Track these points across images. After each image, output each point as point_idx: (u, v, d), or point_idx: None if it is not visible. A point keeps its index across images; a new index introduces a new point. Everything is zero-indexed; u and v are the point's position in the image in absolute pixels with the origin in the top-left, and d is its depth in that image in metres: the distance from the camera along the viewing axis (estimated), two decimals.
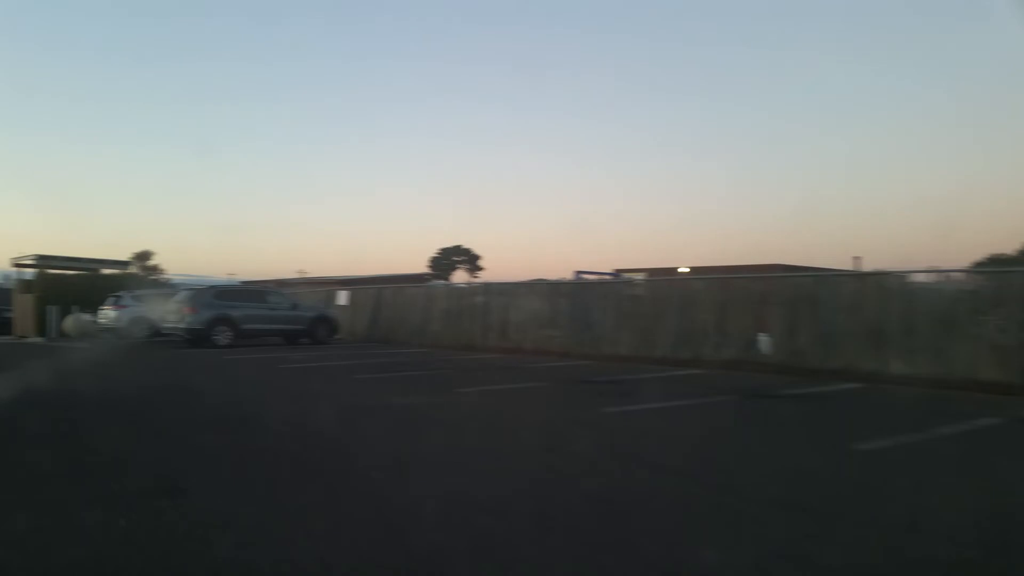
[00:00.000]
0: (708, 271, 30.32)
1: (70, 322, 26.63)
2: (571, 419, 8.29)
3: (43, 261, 28.49)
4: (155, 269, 41.63)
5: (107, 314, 23.74)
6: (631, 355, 15.54)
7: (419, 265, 70.20)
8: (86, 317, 26.40)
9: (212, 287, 20.88)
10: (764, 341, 13.21)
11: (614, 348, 16.13)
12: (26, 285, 29.37)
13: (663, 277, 22.05)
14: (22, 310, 29.56)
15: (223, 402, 9.68)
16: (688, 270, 34.79)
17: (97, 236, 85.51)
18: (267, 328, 20.70)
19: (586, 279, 25.37)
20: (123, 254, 38.74)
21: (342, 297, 24.93)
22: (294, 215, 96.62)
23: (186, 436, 6.96)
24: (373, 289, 24.56)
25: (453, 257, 76.47)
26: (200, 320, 19.48)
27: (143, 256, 41.59)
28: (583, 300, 17.62)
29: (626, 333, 16.07)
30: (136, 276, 32.06)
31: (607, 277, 31.42)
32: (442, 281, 41.99)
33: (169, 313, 20.35)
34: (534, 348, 17.71)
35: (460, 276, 73.10)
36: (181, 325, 19.70)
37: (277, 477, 5.37)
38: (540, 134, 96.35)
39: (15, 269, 29.83)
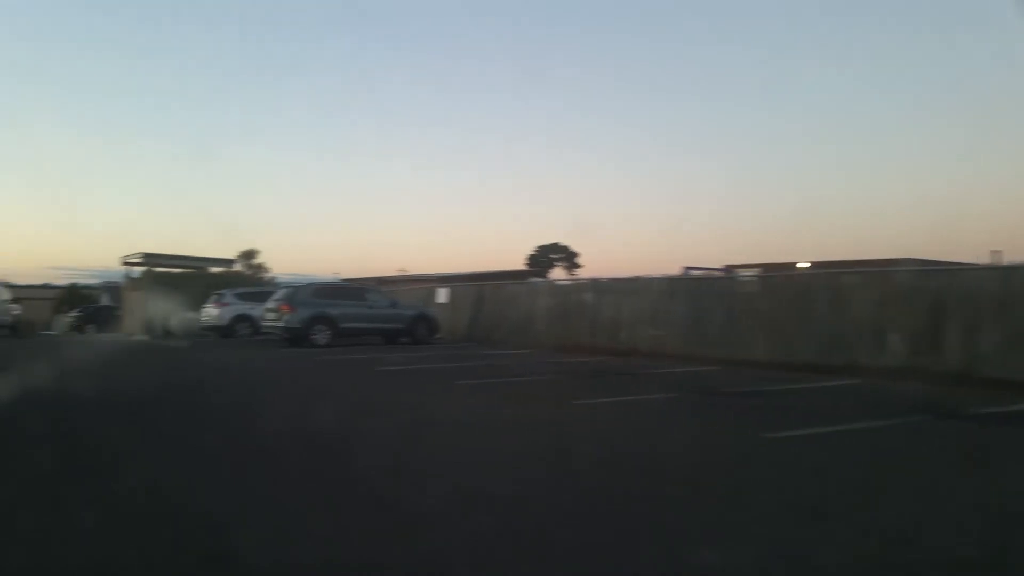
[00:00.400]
0: (826, 266, 27.55)
1: (175, 320, 26.85)
2: (724, 448, 6.66)
3: (150, 259, 28.91)
4: (260, 267, 42.16)
5: (209, 312, 23.63)
6: (765, 360, 13.65)
7: (516, 263, 69.16)
8: (190, 315, 26.53)
9: (310, 285, 20.24)
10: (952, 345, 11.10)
11: (743, 352, 14.27)
12: (133, 283, 29.94)
13: (780, 272, 19.94)
14: (130, 308, 30.17)
15: (313, 416, 8.57)
16: (808, 265, 32.15)
17: (206, 235, 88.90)
18: (366, 327, 19.87)
19: (704, 275, 23.39)
20: (230, 252, 39.42)
21: (442, 295, 23.94)
22: (395, 213, 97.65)
23: (274, 462, 5.82)
24: (473, 287, 23.43)
25: (551, 255, 75.01)
26: (298, 319, 18.82)
27: (248, 254, 42.25)
28: (704, 298, 15.81)
29: (759, 335, 14.18)
30: (240, 274, 32.20)
31: (717, 273, 29.28)
32: (544, 278, 40.68)
33: (268, 312, 19.83)
34: (649, 350, 16.04)
35: (558, 273, 71.58)
36: (279, 324, 19.11)
37: (392, 516, 4.07)
38: (628, 128, 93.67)
39: (124, 267, 30.51)
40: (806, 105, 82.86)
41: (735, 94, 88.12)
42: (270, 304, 19.79)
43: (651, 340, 16.24)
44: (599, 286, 18.25)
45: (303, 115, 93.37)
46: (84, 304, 42.59)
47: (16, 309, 30.44)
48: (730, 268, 35.72)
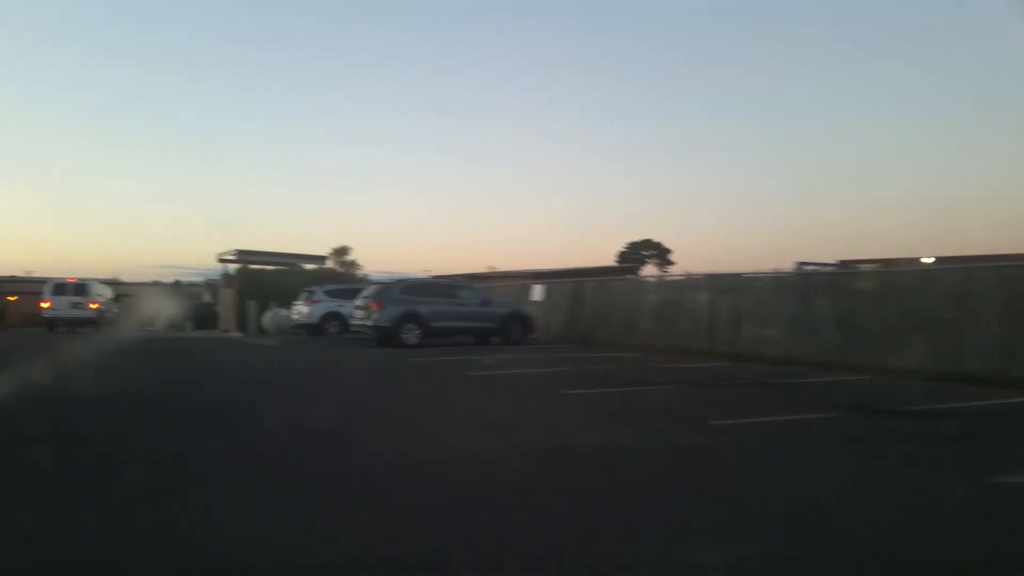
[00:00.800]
0: (952, 261, 24.34)
1: (268, 317, 26.50)
2: (956, 500, 4.83)
3: (244, 256, 28.76)
4: (352, 264, 41.87)
5: (300, 309, 23.00)
6: (926, 369, 11.51)
7: (605, 260, 67.10)
8: (282, 312, 26.10)
9: (400, 281, 19.16)
10: None
11: (895, 358, 12.15)
12: (228, 280, 29.90)
13: (903, 267, 17.44)
14: (225, 305, 30.15)
15: (420, 440, 7.20)
16: (932, 260, 29.03)
17: (300, 231, 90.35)
18: (457, 326, 18.63)
19: (832, 270, 21.00)
20: (323, 249, 39.31)
21: (536, 292, 22.48)
22: (484, 210, 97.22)
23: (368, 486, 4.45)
24: (570, 283, 21.85)
25: (642, 251, 72.54)
26: (387, 317, 17.75)
27: (341, 251, 42.07)
28: (846, 296, 13.68)
29: (917, 339, 12.01)
30: (332, 271, 31.75)
31: (829, 268, 26.64)
32: (643, 275, 38.68)
33: (357, 309, 18.88)
34: (778, 355, 14.05)
35: (649, 270, 69.10)
36: (368, 322, 18.10)
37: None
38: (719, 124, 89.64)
39: (220, 265, 30.55)
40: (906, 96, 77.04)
41: (827, 84, 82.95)
42: (359, 301, 18.83)
43: (783, 344, 14.24)
44: (718, 282, 16.30)
45: (393, 112, 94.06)
46: (184, 301, 43.40)
47: (113, 308, 31.01)
48: (845, 263, 32.82)
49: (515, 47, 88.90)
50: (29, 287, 50.27)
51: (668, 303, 17.48)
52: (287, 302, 25.77)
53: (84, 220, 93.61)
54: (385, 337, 17.89)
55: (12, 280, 54.89)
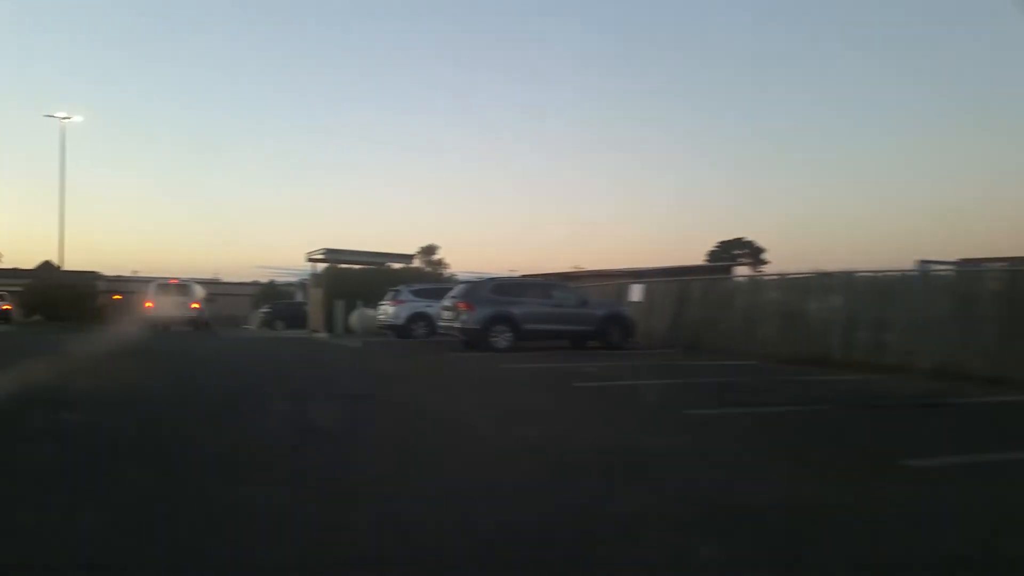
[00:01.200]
0: None
1: (354, 318, 25.75)
2: None
3: (332, 255, 28.13)
4: (439, 263, 40.92)
5: (385, 310, 22.03)
6: None
7: (694, 259, 64.23)
8: (369, 313, 25.29)
9: (490, 280, 17.80)
10: None
11: None
12: (316, 279, 29.41)
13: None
14: (314, 305, 29.68)
15: (517, 475, 5.71)
16: None
17: (387, 230, 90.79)
18: (551, 329, 17.14)
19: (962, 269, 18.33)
20: (410, 248, 38.63)
21: (635, 292, 20.73)
22: (569, 209, 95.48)
23: None
24: (674, 282, 19.99)
25: (734, 251, 69.15)
26: (477, 318, 16.43)
27: (428, 250, 41.19)
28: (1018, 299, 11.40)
29: None
30: (419, 270, 30.87)
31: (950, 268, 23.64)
32: (749, 274, 36.10)
33: (445, 310, 17.66)
34: (934, 367, 11.87)
35: (742, 271, 65.74)
36: (456, 324, 16.84)
37: None
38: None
39: (309, 264, 30.07)
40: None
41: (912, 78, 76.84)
42: (447, 302, 17.60)
43: (939, 354, 12.05)
44: (855, 283, 14.16)
45: (481, 111, 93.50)
46: (276, 301, 43.70)
47: (203, 308, 31.13)
48: (967, 262, 29.58)
49: (602, 45, 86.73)
50: (134, 286, 52.23)
51: (792, 304, 15.41)
52: (374, 302, 25.00)
53: (188, 221, 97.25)
54: (474, 340, 16.60)
55: (119, 280, 57.16)
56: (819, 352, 14.01)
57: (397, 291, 21.97)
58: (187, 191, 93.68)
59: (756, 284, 18.44)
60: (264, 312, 37.66)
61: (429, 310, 21.27)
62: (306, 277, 38.15)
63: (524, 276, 21.54)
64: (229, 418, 7.65)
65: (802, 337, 14.77)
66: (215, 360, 15.79)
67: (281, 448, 6.08)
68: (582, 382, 11.00)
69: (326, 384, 10.87)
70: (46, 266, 57.28)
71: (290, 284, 58.15)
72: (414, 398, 9.35)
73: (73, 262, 61.46)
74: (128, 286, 54.47)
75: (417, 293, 21.86)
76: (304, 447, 6.11)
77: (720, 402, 9.11)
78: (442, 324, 17.57)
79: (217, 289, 54.55)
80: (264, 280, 57.50)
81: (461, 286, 17.91)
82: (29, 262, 54.23)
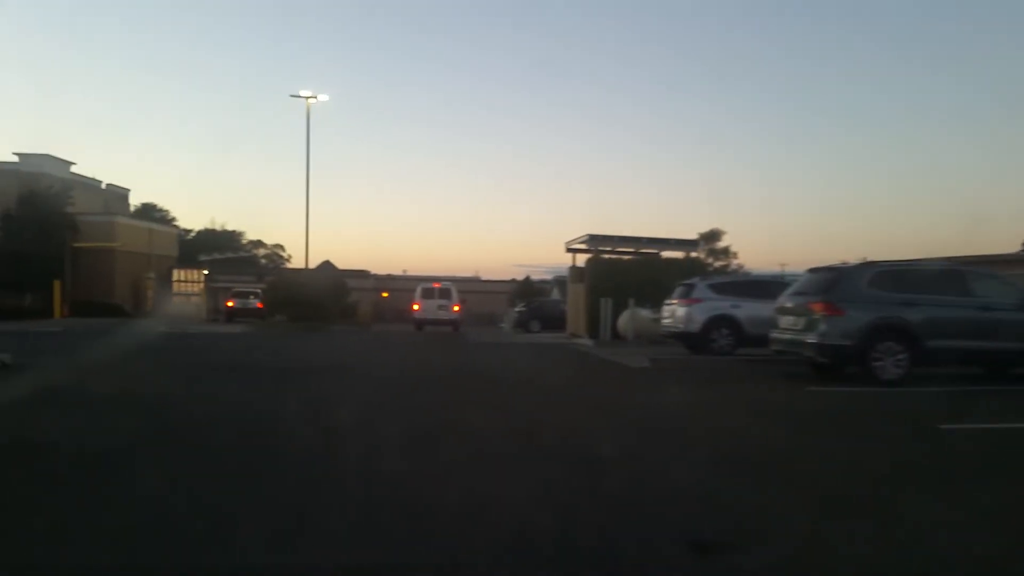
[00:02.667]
0: None
1: (624, 320, 20.10)
2: None
3: (596, 242, 22.73)
4: (725, 254, 33.63)
5: (673, 311, 15.99)
6: None
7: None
8: (643, 314, 19.51)
9: (868, 267, 10.76)
10: None
11: None
12: (576, 273, 24.25)
13: None
14: (573, 304, 24.55)
15: None
16: None
17: (654, 214, 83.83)
18: (974, 347, 10.01)
19: None
20: (686, 234, 32.16)
21: None
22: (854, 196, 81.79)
23: None
24: None
25: None
26: (848, 328, 9.79)
27: (711, 236, 34.06)
28: None
29: None
30: (698, 261, 24.40)
31: None
32: None
33: (782, 313, 11.23)
34: None
35: None
36: (806, 336, 10.27)
37: None
38: None
39: (569, 254, 25.01)
40: None
41: None
42: (787, 302, 11.10)
43: None
44: None
45: (781, 87, 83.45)
46: (531, 299, 39.64)
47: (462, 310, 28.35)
48: None
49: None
50: (402, 283, 52.00)
51: None
52: (648, 301, 19.22)
53: (453, 218, 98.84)
54: (840, 361, 10.09)
55: (389, 278, 57.69)
56: None
57: (690, 285, 15.83)
58: (451, 188, 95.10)
59: None
60: (518, 311, 33.51)
61: (736, 312, 14.92)
62: (562, 273, 33.98)
63: (918, 260, 13.42)
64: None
65: None
66: (451, 385, 10.93)
67: None
68: None
69: (636, 481, 5.11)
70: (326, 265, 59.67)
71: (544, 281, 54.93)
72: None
73: (345, 261, 63.74)
74: (396, 283, 54.68)
75: (719, 289, 15.53)
76: None
77: None
78: (779, 336, 11.04)
79: (475, 287, 52.61)
80: (519, 278, 54.33)
81: (808, 277, 11.21)
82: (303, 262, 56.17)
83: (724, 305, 15.09)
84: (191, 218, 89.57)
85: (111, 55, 78.36)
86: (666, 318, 16.33)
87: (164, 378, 10.58)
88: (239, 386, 9.75)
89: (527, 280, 53.35)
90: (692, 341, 15.37)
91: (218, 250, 58.27)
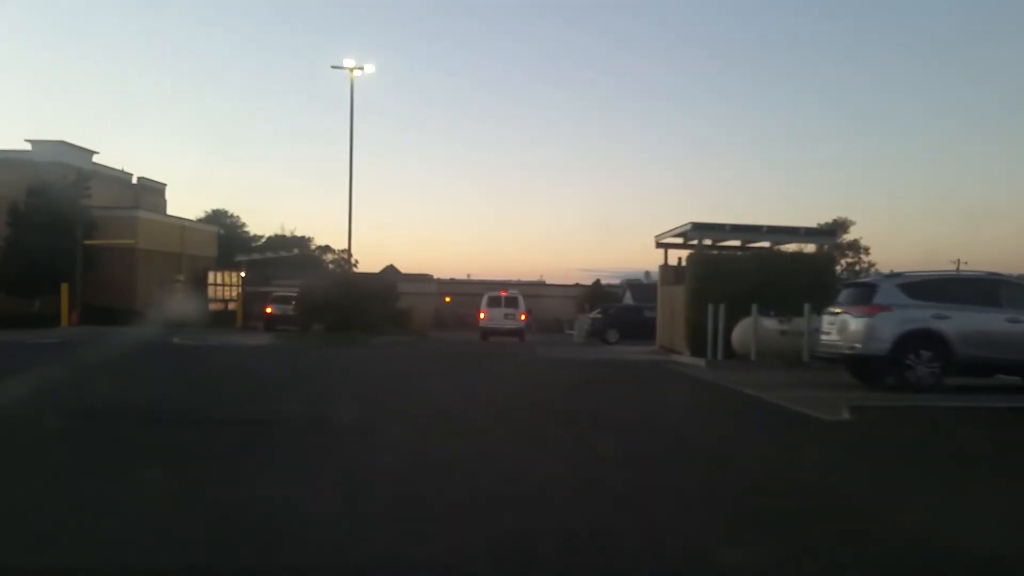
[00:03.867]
0: None
1: (740, 332, 15.22)
2: None
3: (699, 232, 17.82)
4: (855, 248, 27.83)
5: (841, 322, 10.90)
6: None
7: None
8: (768, 325, 14.68)
9: None
10: None
11: None
12: (671, 273, 19.38)
13: None
14: (666, 311, 19.64)
15: None
16: None
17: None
18: None
19: None
20: (807, 223, 26.47)
21: None
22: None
23: None
24: None
25: None
26: None
27: (835, 228, 28.40)
28: None
29: None
30: (828, 256, 19.20)
31: None
32: None
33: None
34: None
35: None
36: None
37: None
38: None
39: (660, 249, 20.14)
40: None
41: None
42: None
43: None
44: None
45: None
46: (607, 305, 34.83)
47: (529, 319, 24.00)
48: None
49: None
50: (465, 288, 48.13)
51: None
52: (770, 307, 14.45)
53: (519, 223, 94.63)
54: None
55: (452, 282, 54.04)
56: None
57: (869, 286, 10.84)
58: (515, 191, 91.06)
59: None
60: (592, 318, 28.77)
61: (943, 326, 9.91)
62: (633, 278, 29.57)
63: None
64: None
65: None
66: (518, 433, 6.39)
67: None
68: None
69: None
70: (389, 269, 56.42)
71: (612, 286, 50.84)
72: None
73: (410, 265, 60.72)
74: (459, 287, 50.82)
75: (915, 290, 10.42)
76: None
77: None
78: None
79: (540, 291, 48.55)
80: (587, 283, 49.80)
81: None
82: (371, 266, 53.09)
83: (925, 315, 10.06)
84: (263, 225, 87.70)
85: (164, 58, 76.96)
86: (825, 333, 11.35)
87: None
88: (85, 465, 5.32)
89: (597, 284, 48.59)
90: (872, 367, 10.41)
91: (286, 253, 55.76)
